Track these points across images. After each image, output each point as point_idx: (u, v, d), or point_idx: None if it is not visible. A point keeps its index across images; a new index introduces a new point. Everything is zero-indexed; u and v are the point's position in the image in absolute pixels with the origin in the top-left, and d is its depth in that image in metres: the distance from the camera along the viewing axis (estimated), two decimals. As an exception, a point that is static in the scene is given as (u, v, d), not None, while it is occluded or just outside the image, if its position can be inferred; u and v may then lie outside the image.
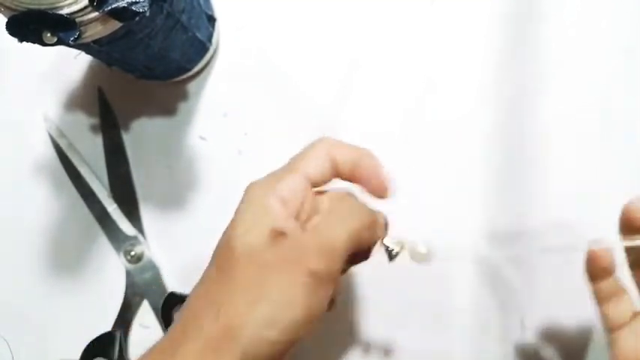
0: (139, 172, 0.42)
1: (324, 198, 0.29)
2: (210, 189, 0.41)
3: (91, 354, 0.38)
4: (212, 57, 0.42)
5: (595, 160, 0.40)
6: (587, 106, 0.42)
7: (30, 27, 0.28)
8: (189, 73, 0.42)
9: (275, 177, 0.28)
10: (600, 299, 0.30)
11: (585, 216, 0.39)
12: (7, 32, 0.28)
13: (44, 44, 0.28)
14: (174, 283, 0.40)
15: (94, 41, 0.29)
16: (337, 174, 0.29)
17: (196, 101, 0.43)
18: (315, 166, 0.28)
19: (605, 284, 0.29)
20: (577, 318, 0.38)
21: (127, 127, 0.43)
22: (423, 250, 0.30)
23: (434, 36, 0.43)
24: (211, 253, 0.40)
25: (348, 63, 0.42)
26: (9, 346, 0.40)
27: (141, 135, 0.42)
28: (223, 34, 0.43)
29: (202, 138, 0.42)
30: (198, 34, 0.38)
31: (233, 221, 0.28)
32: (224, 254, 0.27)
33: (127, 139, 0.42)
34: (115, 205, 0.41)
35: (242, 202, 0.28)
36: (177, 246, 0.41)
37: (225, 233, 0.28)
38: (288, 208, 0.27)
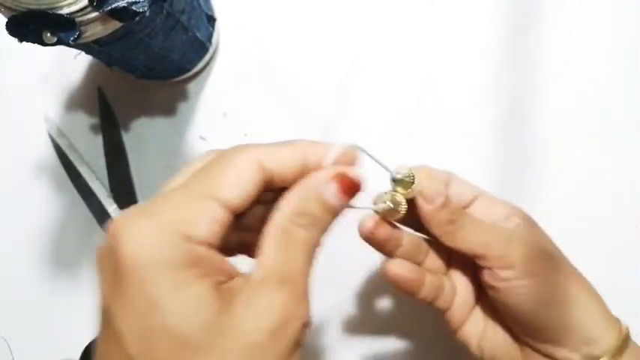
0: (139, 172, 0.42)
1: None
2: (210, 189, 0.41)
3: (91, 354, 0.38)
4: (212, 57, 0.42)
5: (595, 160, 0.40)
6: (587, 107, 0.42)
7: (30, 27, 0.28)
8: (190, 73, 0.42)
9: (173, 209, 0.20)
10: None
11: (585, 214, 0.39)
12: (7, 32, 0.28)
13: (44, 44, 0.28)
14: (174, 283, 0.40)
15: (94, 41, 0.29)
16: (272, 187, 0.22)
17: (196, 101, 0.43)
18: (238, 190, 0.21)
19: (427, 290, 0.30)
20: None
21: (126, 127, 0.43)
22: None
23: (434, 36, 0.43)
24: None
25: (348, 63, 0.42)
26: (9, 346, 0.40)
27: (141, 135, 0.42)
28: (223, 34, 0.43)
29: (202, 138, 0.42)
30: (198, 35, 0.38)
31: (149, 295, 0.18)
32: (165, 346, 0.18)
33: (127, 139, 0.42)
34: (115, 205, 0.41)
35: (131, 259, 0.18)
36: (177, 246, 0.41)
37: (143, 310, 0.18)
38: (211, 246, 0.20)
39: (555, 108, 0.41)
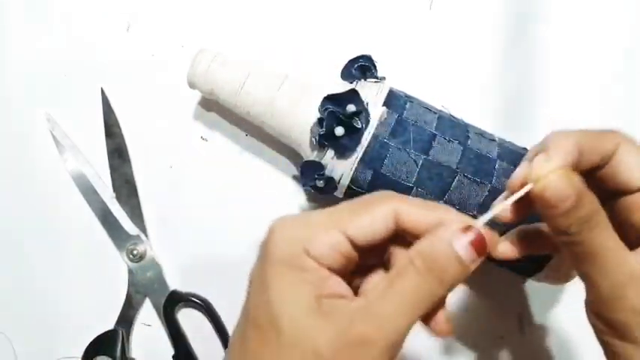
0: (141, 172, 0.42)
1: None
2: (211, 189, 0.42)
3: (94, 352, 0.38)
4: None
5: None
6: (587, 107, 0.42)
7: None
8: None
9: (309, 227, 0.24)
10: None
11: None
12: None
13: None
14: (176, 282, 0.41)
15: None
16: (400, 235, 0.25)
17: (197, 102, 0.43)
18: (366, 233, 0.24)
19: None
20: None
21: (129, 128, 0.43)
22: None
23: (432, 40, 0.43)
24: (212, 252, 0.41)
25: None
26: (12, 345, 0.40)
27: (143, 135, 0.43)
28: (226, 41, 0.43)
29: (204, 139, 0.42)
30: None
31: (266, 277, 0.23)
32: (264, 318, 0.23)
33: (129, 139, 0.43)
34: (117, 205, 0.41)
35: (268, 250, 0.24)
36: (178, 245, 0.41)
37: (260, 286, 0.24)
38: (324, 265, 0.24)
39: (555, 110, 0.42)
